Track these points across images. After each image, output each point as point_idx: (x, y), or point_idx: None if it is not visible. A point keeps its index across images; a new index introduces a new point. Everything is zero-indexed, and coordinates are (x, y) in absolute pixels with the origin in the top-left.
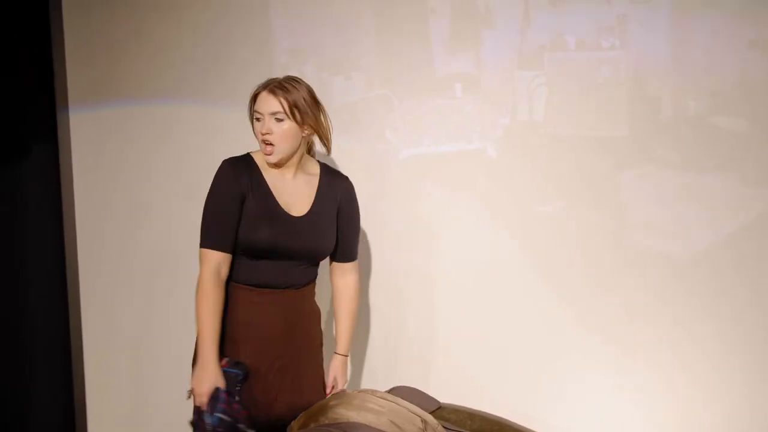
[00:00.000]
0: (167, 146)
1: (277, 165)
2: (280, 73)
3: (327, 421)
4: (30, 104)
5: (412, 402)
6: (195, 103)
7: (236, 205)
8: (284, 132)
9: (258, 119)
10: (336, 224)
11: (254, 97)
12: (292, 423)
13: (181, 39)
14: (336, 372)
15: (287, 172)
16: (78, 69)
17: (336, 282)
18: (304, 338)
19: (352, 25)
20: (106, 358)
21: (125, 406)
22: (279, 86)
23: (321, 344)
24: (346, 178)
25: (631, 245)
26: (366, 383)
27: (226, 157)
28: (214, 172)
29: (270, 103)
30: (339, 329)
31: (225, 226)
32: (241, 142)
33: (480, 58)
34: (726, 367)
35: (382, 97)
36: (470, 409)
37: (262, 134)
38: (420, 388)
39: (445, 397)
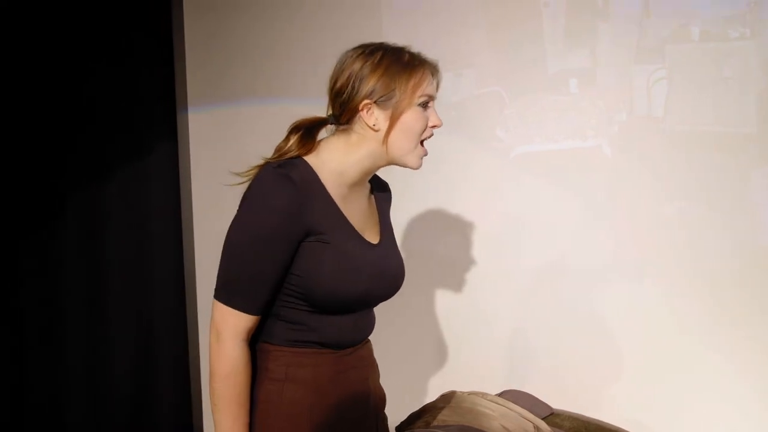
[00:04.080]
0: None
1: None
2: None
3: (435, 423)
4: (154, 106)
5: (523, 407)
6: (306, 102)
7: (289, 252)
8: None
9: (426, 104)
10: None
11: (416, 73)
12: (401, 423)
13: (293, 38)
14: None
15: (364, 188)
16: (196, 72)
17: None
18: (382, 402)
19: (463, 20)
20: None
21: None
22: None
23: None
24: (387, 183)
25: (757, 249)
26: (474, 386)
27: (271, 164)
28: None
29: (435, 88)
30: None
31: (265, 281)
32: None
33: (596, 51)
34: None
35: (493, 93)
36: (584, 416)
37: (435, 126)
38: (530, 392)
39: (556, 403)
